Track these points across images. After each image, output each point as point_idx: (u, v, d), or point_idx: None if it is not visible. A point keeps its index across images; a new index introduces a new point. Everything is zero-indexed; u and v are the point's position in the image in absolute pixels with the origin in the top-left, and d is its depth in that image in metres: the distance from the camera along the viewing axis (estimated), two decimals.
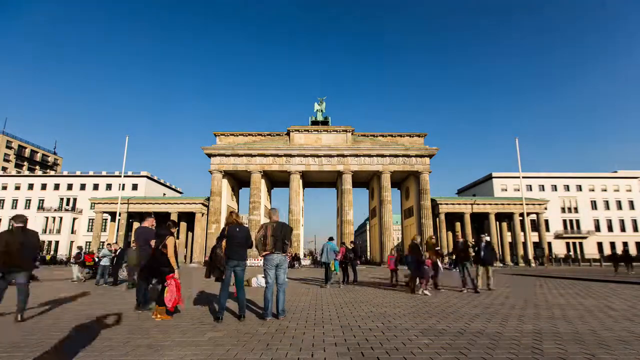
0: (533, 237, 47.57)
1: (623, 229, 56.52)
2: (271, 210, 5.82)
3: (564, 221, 56.71)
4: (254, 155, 39.76)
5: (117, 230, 40.22)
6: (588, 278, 15.72)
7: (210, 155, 39.87)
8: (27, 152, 75.48)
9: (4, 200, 57.84)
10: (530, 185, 57.14)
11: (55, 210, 56.38)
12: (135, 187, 58.57)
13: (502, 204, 44.67)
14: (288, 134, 41.11)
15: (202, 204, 43.21)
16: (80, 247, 16.95)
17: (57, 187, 58.62)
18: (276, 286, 5.67)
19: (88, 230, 55.57)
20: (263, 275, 12.67)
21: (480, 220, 46.64)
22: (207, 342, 4.04)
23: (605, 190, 58.07)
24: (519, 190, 50.35)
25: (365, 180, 47.62)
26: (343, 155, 39.69)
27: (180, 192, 71.93)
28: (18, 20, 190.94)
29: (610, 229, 56.53)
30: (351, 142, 40.45)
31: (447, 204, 43.55)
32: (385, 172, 39.57)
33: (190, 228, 46.23)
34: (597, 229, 56.47)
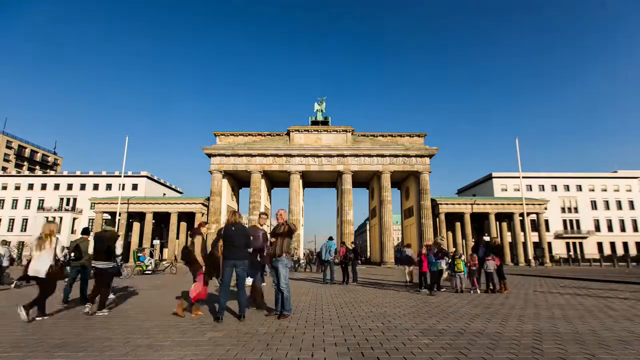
0: (533, 237, 47.55)
1: (623, 229, 56.52)
2: (280, 210, 6.07)
3: (564, 221, 56.71)
4: (254, 155, 39.77)
5: (117, 230, 40.17)
6: (588, 278, 15.72)
7: (210, 155, 39.88)
8: (27, 152, 75.49)
9: (4, 200, 57.84)
10: (530, 185, 57.14)
11: (55, 210, 56.38)
12: (135, 187, 58.58)
13: (502, 204, 44.67)
14: (288, 134, 41.11)
15: (202, 204, 43.21)
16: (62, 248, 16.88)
17: (57, 187, 58.63)
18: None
19: None
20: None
21: (480, 220, 46.64)
22: (207, 342, 4.04)
23: (605, 190, 58.07)
24: (519, 190, 50.34)
25: (365, 180, 47.62)
26: (343, 155, 39.69)
27: (180, 192, 71.95)
28: (18, 20, 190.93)
29: (610, 229, 56.53)
30: (351, 142, 40.45)
31: (447, 204, 43.55)
32: (385, 172, 39.57)
33: (190, 228, 46.19)
34: (597, 229, 56.47)
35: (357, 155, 39.68)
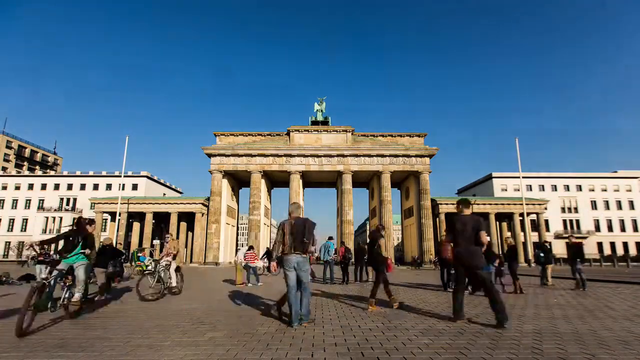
0: (533, 237, 47.54)
1: (623, 229, 56.53)
2: (291, 205, 5.37)
3: (564, 221, 56.73)
4: (254, 155, 39.77)
5: (117, 230, 40.21)
6: (588, 278, 15.69)
7: (210, 155, 39.88)
8: (27, 152, 75.50)
9: (4, 200, 57.85)
10: (530, 185, 57.15)
11: (55, 210, 56.40)
12: (135, 187, 58.60)
13: (502, 204, 44.67)
14: (288, 134, 41.11)
15: (202, 204, 43.20)
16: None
17: (57, 187, 58.65)
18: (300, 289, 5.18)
19: None
20: (255, 275, 12.76)
21: None
22: (207, 342, 4.04)
23: (605, 190, 58.07)
24: (519, 190, 50.34)
25: (365, 180, 47.62)
26: (343, 155, 39.69)
27: (180, 192, 71.97)
28: (18, 20, 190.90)
29: (610, 229, 56.55)
30: (351, 142, 40.45)
31: (447, 204, 43.52)
32: (385, 172, 39.58)
33: (190, 228, 46.22)
34: (597, 229, 56.47)
35: (357, 155, 39.68)
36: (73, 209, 56.84)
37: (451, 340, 4.11)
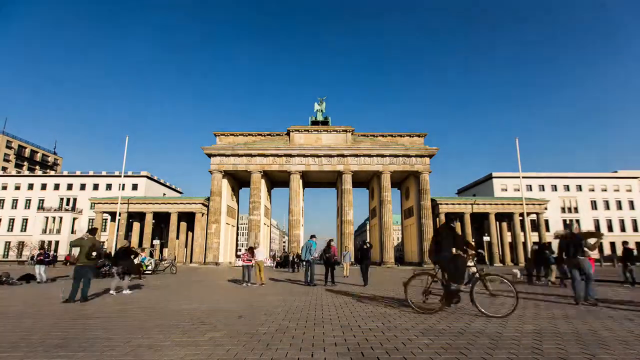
0: (533, 237, 47.46)
1: (623, 229, 56.50)
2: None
3: (564, 221, 56.65)
4: (254, 155, 39.76)
5: (117, 230, 40.19)
6: None
7: (210, 155, 39.87)
8: (27, 152, 75.46)
9: (4, 200, 57.81)
10: (530, 185, 57.13)
11: (55, 210, 56.35)
12: (135, 187, 58.56)
13: (502, 204, 44.65)
14: (288, 134, 41.11)
15: (202, 204, 43.19)
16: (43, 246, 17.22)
17: (57, 187, 58.62)
18: None
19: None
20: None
21: (480, 221, 46.61)
22: (207, 342, 4.04)
23: (605, 190, 58.05)
24: (519, 190, 50.33)
25: (365, 180, 47.62)
26: (343, 155, 39.69)
27: (180, 192, 71.94)
28: (18, 21, 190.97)
29: (610, 229, 56.50)
30: (351, 142, 40.44)
31: (447, 204, 43.53)
32: (385, 172, 39.57)
33: (190, 228, 46.20)
34: (597, 229, 56.42)
35: (357, 155, 39.67)
36: (73, 209, 56.82)
37: (451, 340, 4.11)
